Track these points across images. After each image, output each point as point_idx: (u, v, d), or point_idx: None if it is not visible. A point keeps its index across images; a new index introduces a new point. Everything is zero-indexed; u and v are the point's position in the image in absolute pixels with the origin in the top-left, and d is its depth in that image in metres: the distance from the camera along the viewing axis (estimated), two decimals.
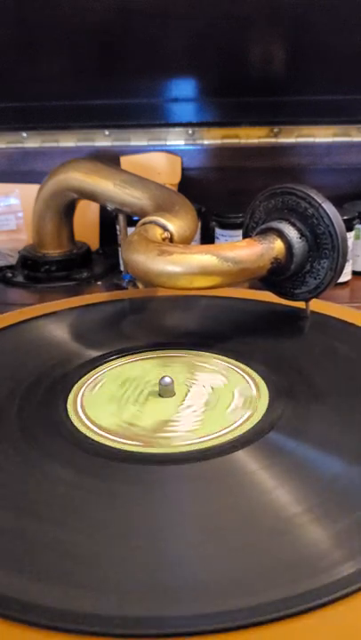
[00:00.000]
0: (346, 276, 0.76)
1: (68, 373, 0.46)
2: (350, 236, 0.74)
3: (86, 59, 0.86)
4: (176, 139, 0.89)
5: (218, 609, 0.26)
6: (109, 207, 0.71)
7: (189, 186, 0.86)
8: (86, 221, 0.86)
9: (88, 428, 0.39)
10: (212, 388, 0.43)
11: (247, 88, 0.87)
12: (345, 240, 0.48)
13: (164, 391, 0.42)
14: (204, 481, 0.34)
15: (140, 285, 0.65)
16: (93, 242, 0.86)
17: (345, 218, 0.71)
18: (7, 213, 0.85)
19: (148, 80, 0.87)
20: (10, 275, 0.78)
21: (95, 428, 0.39)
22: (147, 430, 0.39)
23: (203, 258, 0.45)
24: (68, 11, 0.80)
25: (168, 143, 0.89)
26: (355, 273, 0.77)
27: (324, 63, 0.84)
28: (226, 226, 0.78)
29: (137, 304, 0.59)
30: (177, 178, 0.87)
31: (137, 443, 0.37)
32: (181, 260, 0.45)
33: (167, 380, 0.42)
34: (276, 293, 0.53)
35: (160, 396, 0.42)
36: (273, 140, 0.88)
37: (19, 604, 0.26)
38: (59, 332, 0.53)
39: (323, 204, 0.48)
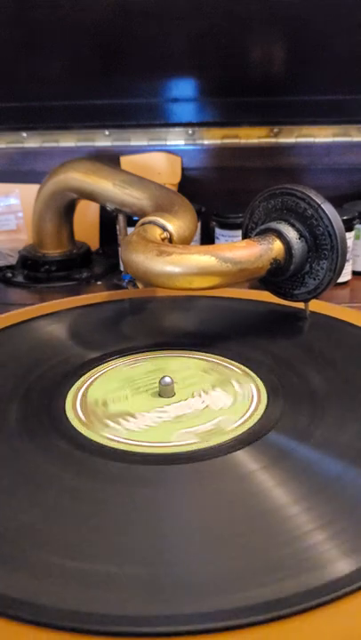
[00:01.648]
0: (346, 275, 0.76)
1: (67, 373, 0.46)
2: (350, 236, 0.74)
3: (86, 59, 0.86)
4: (176, 139, 0.89)
5: (217, 608, 0.26)
6: (109, 207, 0.71)
7: (189, 186, 0.86)
8: (86, 221, 0.86)
9: (87, 427, 0.39)
10: (212, 389, 0.43)
11: (247, 88, 0.87)
12: (344, 241, 0.48)
13: (165, 391, 0.42)
14: (204, 481, 0.34)
15: (139, 285, 0.66)
16: (93, 242, 0.86)
17: (345, 218, 0.71)
18: (7, 213, 0.85)
19: (148, 80, 0.87)
20: (10, 275, 0.78)
21: (93, 428, 0.39)
22: (146, 430, 0.39)
23: (202, 258, 0.45)
24: (68, 11, 0.80)
25: (168, 143, 0.89)
26: (355, 273, 0.77)
27: (325, 63, 0.84)
28: (226, 226, 0.78)
29: (137, 304, 0.59)
30: (177, 178, 0.87)
31: (136, 443, 0.37)
32: (180, 260, 0.45)
33: (167, 380, 0.42)
34: (276, 294, 0.53)
35: (160, 396, 0.43)
36: (273, 140, 0.88)
37: (17, 602, 0.26)
38: (58, 332, 0.53)
39: (322, 205, 0.48)
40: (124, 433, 0.38)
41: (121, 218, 0.71)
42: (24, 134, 0.89)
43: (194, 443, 0.37)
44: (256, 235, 0.50)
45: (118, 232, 0.73)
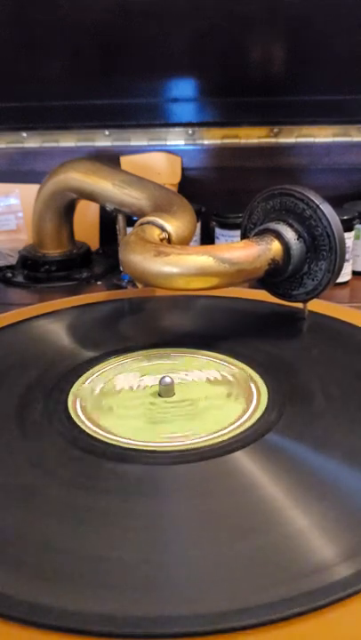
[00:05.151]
0: (346, 276, 0.76)
1: (67, 373, 0.46)
2: (350, 236, 0.74)
3: (86, 59, 0.86)
4: (176, 139, 0.89)
5: (216, 610, 0.26)
6: (108, 207, 0.71)
7: (189, 186, 0.86)
8: (86, 221, 0.86)
9: (87, 427, 0.39)
10: (212, 388, 0.43)
11: (247, 88, 0.87)
12: (343, 241, 0.48)
13: (164, 391, 0.42)
14: (204, 481, 0.34)
15: (139, 285, 0.66)
16: (93, 242, 0.87)
17: (345, 218, 0.71)
18: (7, 213, 0.85)
19: (148, 80, 0.87)
20: (10, 275, 0.79)
21: (94, 428, 0.39)
22: (146, 430, 0.39)
23: (199, 259, 0.45)
24: (68, 11, 0.80)
25: (168, 143, 0.89)
26: (355, 273, 0.77)
27: (325, 63, 0.84)
28: (226, 226, 0.78)
29: (136, 304, 0.59)
30: (177, 178, 0.87)
31: (136, 442, 0.37)
32: (178, 260, 0.45)
33: (167, 379, 0.42)
34: (274, 294, 0.53)
35: (160, 395, 0.43)
36: (273, 139, 0.88)
37: (17, 602, 0.26)
38: (58, 331, 0.53)
39: (320, 206, 0.48)
40: (123, 433, 0.38)
41: (120, 218, 0.71)
42: (24, 134, 0.90)
43: (193, 442, 0.37)
44: (254, 235, 0.50)
45: (118, 232, 0.73)
